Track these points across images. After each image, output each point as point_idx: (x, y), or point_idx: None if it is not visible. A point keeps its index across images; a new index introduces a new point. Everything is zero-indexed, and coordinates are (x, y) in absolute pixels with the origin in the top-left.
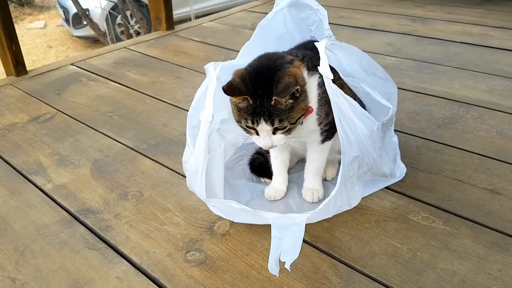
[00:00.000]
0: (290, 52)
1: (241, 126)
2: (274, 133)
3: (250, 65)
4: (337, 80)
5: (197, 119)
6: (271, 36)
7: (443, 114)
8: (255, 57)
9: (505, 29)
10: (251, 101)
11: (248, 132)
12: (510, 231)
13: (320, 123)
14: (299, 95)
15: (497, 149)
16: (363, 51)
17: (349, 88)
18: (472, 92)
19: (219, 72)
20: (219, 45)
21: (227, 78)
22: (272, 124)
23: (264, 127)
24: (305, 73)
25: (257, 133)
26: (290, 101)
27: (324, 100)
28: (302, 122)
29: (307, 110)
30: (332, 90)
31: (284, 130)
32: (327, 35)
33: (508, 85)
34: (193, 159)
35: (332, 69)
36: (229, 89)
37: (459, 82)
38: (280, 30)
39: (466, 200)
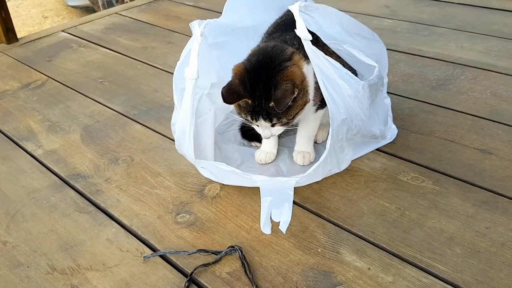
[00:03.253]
0: (284, 37)
1: (242, 118)
2: (273, 125)
3: (249, 60)
4: (323, 46)
5: (184, 81)
6: None
7: (437, 76)
8: (254, 48)
9: None
10: (250, 101)
11: (249, 123)
12: (499, 190)
13: (314, 105)
14: (297, 95)
15: (491, 109)
16: (360, 14)
17: (338, 56)
18: (468, 54)
19: (203, 28)
20: (212, 9)
21: (214, 39)
22: (271, 121)
23: (263, 124)
24: (304, 65)
25: (257, 125)
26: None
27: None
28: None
29: (306, 104)
30: (312, 52)
31: (283, 124)
32: None
33: (505, 46)
34: (180, 119)
35: (315, 36)
36: (228, 93)
37: (456, 43)
38: None
39: (457, 160)
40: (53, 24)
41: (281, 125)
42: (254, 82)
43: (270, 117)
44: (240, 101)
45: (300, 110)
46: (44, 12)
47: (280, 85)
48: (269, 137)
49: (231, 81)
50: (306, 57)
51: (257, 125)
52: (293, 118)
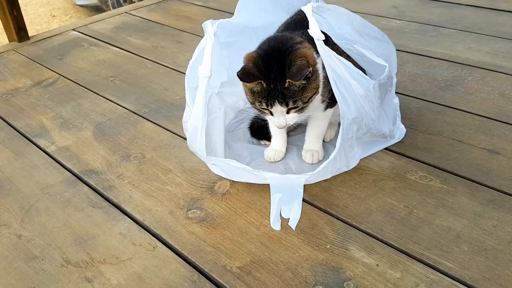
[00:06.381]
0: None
1: (255, 108)
2: (287, 112)
3: (260, 48)
4: (333, 45)
5: (196, 79)
6: None
7: (445, 76)
8: (265, 39)
9: None
10: (265, 85)
11: (263, 113)
12: (507, 189)
13: (323, 101)
14: (311, 75)
15: (499, 110)
16: (368, 14)
17: (348, 55)
18: (476, 55)
19: (216, 28)
20: (221, 9)
21: (226, 38)
22: (287, 105)
23: (278, 109)
24: (314, 53)
25: (271, 113)
26: (303, 82)
27: (328, 81)
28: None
29: (318, 88)
30: (325, 51)
31: (298, 109)
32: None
33: None
34: (193, 116)
35: (326, 35)
36: (244, 75)
37: (463, 44)
38: None
39: (464, 159)
40: (61, 23)
41: (296, 111)
42: (268, 65)
43: (286, 100)
44: (254, 86)
45: (314, 94)
46: (52, 11)
47: (295, 62)
48: (284, 127)
49: (244, 65)
50: (315, 51)
51: (272, 114)
52: (308, 101)
